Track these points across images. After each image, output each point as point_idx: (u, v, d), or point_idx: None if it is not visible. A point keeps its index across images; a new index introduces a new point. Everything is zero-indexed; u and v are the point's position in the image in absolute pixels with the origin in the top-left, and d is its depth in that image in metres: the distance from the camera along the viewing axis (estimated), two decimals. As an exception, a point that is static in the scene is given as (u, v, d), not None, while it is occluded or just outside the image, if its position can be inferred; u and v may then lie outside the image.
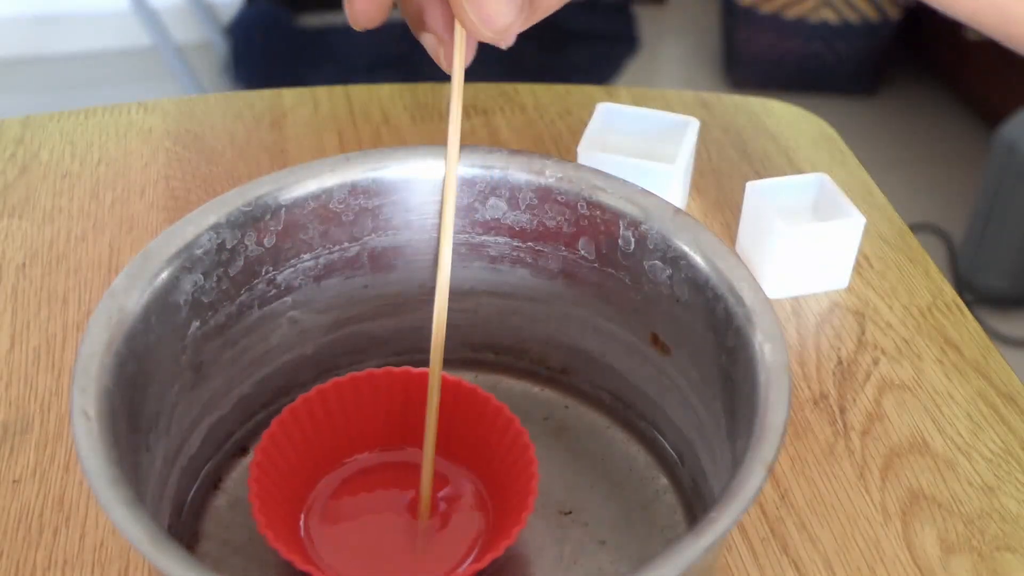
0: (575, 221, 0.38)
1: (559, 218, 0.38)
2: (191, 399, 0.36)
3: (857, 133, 1.73)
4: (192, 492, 0.38)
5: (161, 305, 0.34)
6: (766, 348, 0.32)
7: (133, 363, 0.32)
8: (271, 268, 0.37)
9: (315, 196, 0.37)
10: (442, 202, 0.38)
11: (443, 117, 0.62)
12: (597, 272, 0.38)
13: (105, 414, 0.30)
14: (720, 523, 0.27)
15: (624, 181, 0.37)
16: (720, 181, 0.57)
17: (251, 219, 0.36)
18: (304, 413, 0.37)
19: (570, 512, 0.38)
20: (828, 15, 1.76)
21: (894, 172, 1.69)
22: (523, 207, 0.38)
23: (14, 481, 0.40)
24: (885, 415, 0.44)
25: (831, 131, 0.62)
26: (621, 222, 0.37)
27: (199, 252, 0.35)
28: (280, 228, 0.37)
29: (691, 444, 0.37)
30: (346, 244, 0.39)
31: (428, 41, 0.36)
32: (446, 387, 0.37)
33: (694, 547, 0.27)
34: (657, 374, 0.38)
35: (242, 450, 0.40)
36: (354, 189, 0.38)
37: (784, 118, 0.63)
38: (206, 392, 0.37)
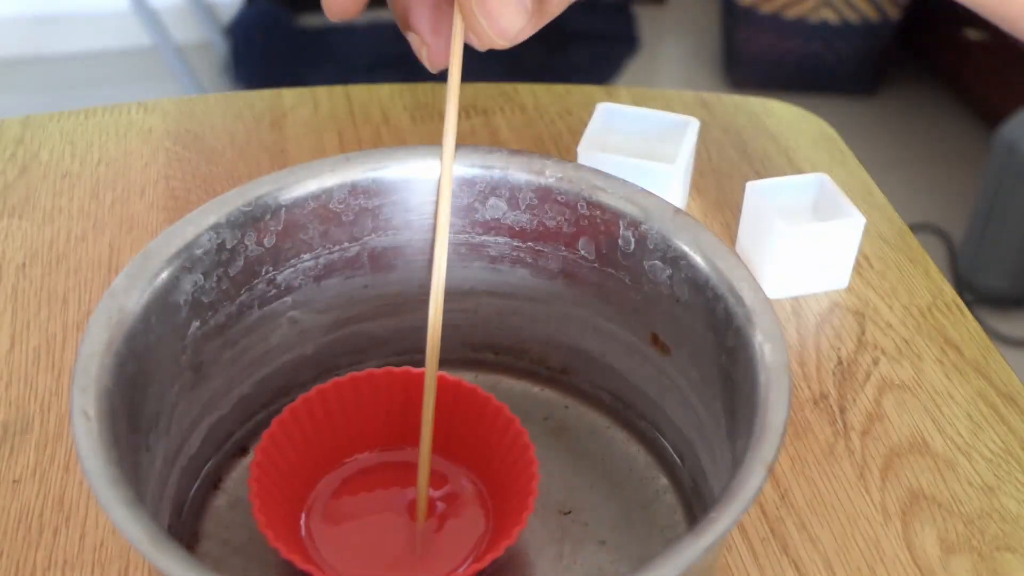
0: (575, 221, 0.38)
1: (559, 218, 0.38)
2: (191, 399, 0.36)
3: (857, 133, 1.73)
4: (192, 492, 0.38)
5: (161, 305, 0.34)
6: (766, 348, 0.32)
7: (133, 363, 0.32)
8: (271, 268, 0.37)
9: (315, 196, 0.37)
10: (437, 202, 0.38)
11: (443, 117, 0.62)
12: (597, 272, 0.38)
13: (105, 414, 0.30)
14: (720, 523, 0.27)
15: (624, 181, 0.37)
16: (720, 181, 0.57)
17: (251, 219, 0.36)
18: (304, 413, 0.37)
19: (570, 512, 0.38)
20: (828, 15, 1.77)
21: (894, 172, 1.69)
22: (523, 207, 0.38)
23: (14, 481, 0.40)
24: (885, 415, 0.44)
25: (831, 131, 0.62)
26: (621, 222, 0.37)
27: (199, 252, 0.35)
28: (280, 228, 0.37)
29: (691, 444, 0.37)
30: (346, 244, 0.39)
31: (412, 40, 0.36)
32: (446, 387, 0.37)
33: (694, 547, 0.27)
34: (657, 374, 0.38)
35: (242, 450, 0.40)
36: (354, 189, 0.38)
37: (784, 118, 0.63)
38: (206, 392, 0.37)
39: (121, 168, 0.57)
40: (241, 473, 0.39)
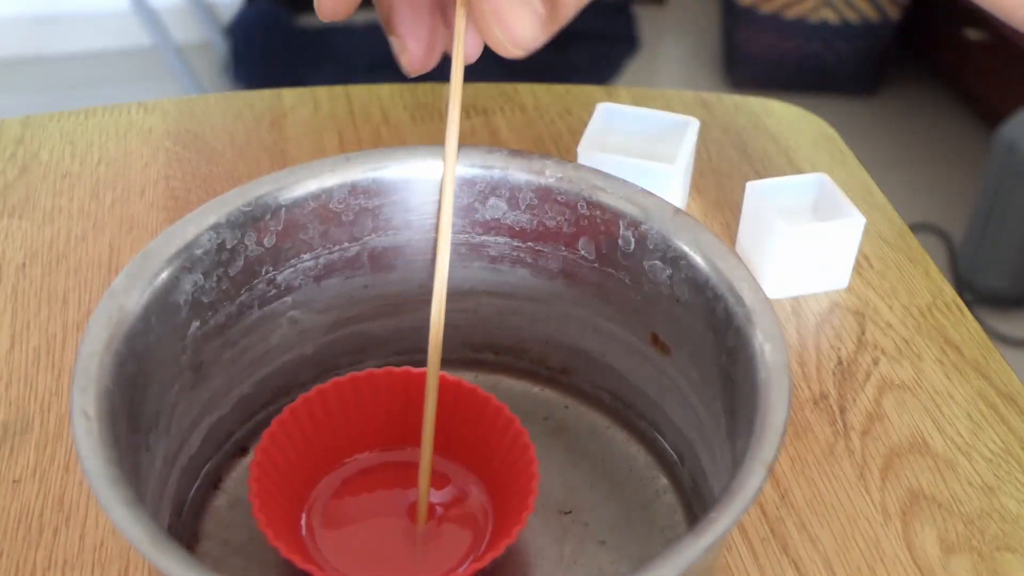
0: (575, 221, 0.38)
1: (559, 218, 0.38)
2: (191, 399, 0.36)
3: (857, 133, 1.73)
4: (192, 492, 0.38)
5: (161, 305, 0.34)
6: (766, 348, 0.32)
7: (133, 363, 0.32)
8: (271, 268, 0.37)
9: (315, 196, 0.37)
10: (440, 202, 0.38)
11: (443, 117, 0.62)
12: (597, 272, 0.38)
13: (105, 414, 0.30)
14: (720, 523, 0.27)
15: (624, 181, 0.37)
16: (720, 181, 0.57)
17: (251, 219, 0.36)
18: (304, 413, 0.37)
19: (570, 512, 0.38)
20: (828, 15, 1.77)
21: (894, 172, 1.69)
22: (523, 207, 0.38)
23: (14, 481, 0.40)
24: (885, 415, 0.44)
25: (831, 131, 0.62)
26: (621, 222, 0.37)
27: (199, 252, 0.35)
28: (280, 228, 0.37)
29: (691, 444, 0.37)
30: (346, 244, 0.39)
31: (393, 43, 0.36)
32: (446, 387, 0.37)
33: (694, 547, 0.27)
34: (657, 374, 0.38)
35: (242, 450, 0.40)
36: (354, 189, 0.38)
37: (784, 118, 0.63)
38: (206, 392, 0.37)
39: (121, 168, 0.57)
40: (241, 473, 0.39)
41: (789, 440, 0.43)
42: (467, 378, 0.38)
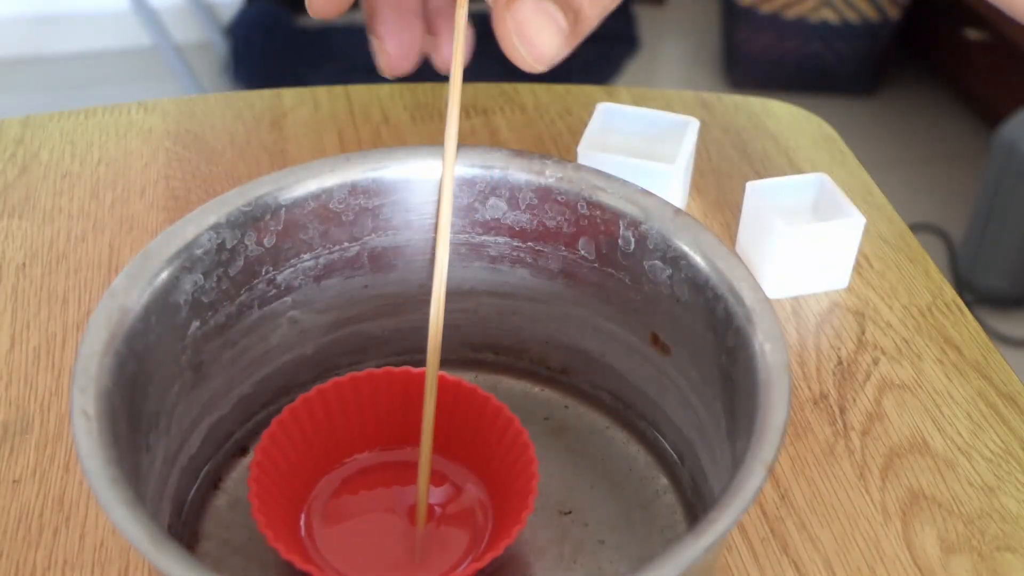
0: (575, 221, 0.38)
1: (559, 218, 0.38)
2: (191, 399, 0.36)
3: (857, 133, 1.73)
4: (192, 492, 0.38)
5: (161, 305, 0.34)
6: (766, 348, 0.32)
7: (133, 363, 0.32)
8: (271, 268, 0.37)
9: (315, 196, 0.37)
10: (439, 202, 0.38)
11: (443, 117, 0.62)
12: (597, 272, 0.38)
13: (105, 414, 0.30)
14: (720, 523, 0.27)
15: (624, 181, 0.37)
16: (720, 181, 0.57)
17: (251, 219, 0.36)
18: (304, 413, 0.37)
19: (570, 512, 0.38)
20: (828, 15, 1.77)
21: (894, 172, 1.69)
22: (523, 207, 0.38)
23: (14, 481, 0.40)
24: (885, 415, 0.44)
25: (831, 131, 0.62)
26: (621, 222, 0.37)
27: (199, 252, 0.35)
28: (280, 228, 0.37)
29: (691, 444, 0.37)
30: (346, 244, 0.39)
31: (373, 43, 0.37)
32: (446, 387, 0.37)
33: (694, 547, 0.27)
34: (657, 374, 0.38)
35: (242, 450, 0.40)
36: (354, 189, 0.38)
37: (784, 118, 0.63)
38: (206, 392, 0.37)
39: (121, 168, 0.57)
40: (241, 473, 0.39)
41: (789, 440, 0.43)
42: (467, 378, 0.38)
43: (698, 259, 0.35)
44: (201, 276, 0.35)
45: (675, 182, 0.51)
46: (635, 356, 0.39)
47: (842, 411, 0.44)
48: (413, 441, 0.38)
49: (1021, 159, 1.33)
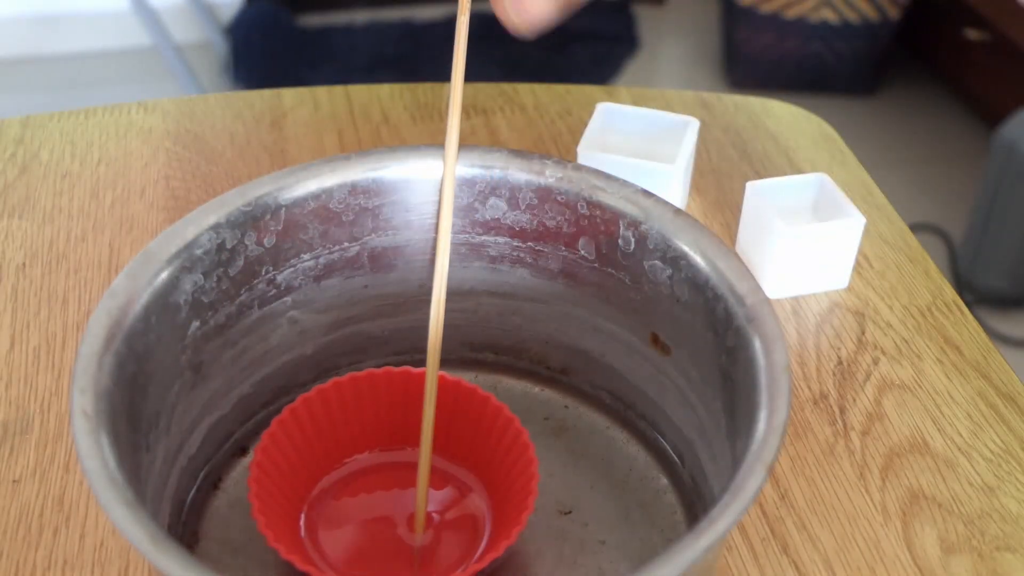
0: (575, 221, 0.38)
1: (559, 218, 0.38)
2: (191, 399, 0.36)
3: (857, 133, 1.73)
4: (192, 492, 0.38)
5: (161, 305, 0.34)
6: (766, 348, 0.32)
7: (133, 363, 0.32)
8: (271, 268, 0.37)
9: (315, 196, 0.37)
10: (440, 201, 0.38)
11: (443, 117, 0.62)
12: (597, 272, 0.38)
13: (105, 414, 0.30)
14: (720, 523, 0.27)
15: (624, 181, 0.37)
16: (720, 181, 0.57)
17: (251, 219, 0.36)
18: (304, 413, 0.37)
19: (570, 512, 0.38)
20: (828, 15, 1.76)
21: (894, 172, 1.69)
22: (523, 207, 0.38)
23: (14, 481, 0.40)
24: (885, 415, 0.44)
25: (831, 131, 0.62)
26: (621, 222, 0.37)
27: (199, 252, 0.35)
28: (280, 228, 0.37)
29: (691, 444, 0.37)
30: (346, 244, 0.39)
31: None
32: (446, 387, 0.37)
33: (694, 547, 0.27)
34: (657, 374, 0.38)
35: (242, 450, 0.40)
36: (354, 189, 0.38)
37: (784, 118, 0.63)
38: (206, 392, 0.37)
39: (121, 168, 0.57)
40: (241, 473, 0.39)
41: (789, 440, 0.43)
42: (467, 378, 0.38)
43: (698, 259, 0.35)
44: (201, 276, 0.35)
45: (675, 182, 0.51)
46: (635, 356, 0.39)
47: (842, 411, 0.44)
48: (413, 441, 0.38)
49: (1021, 159, 1.33)
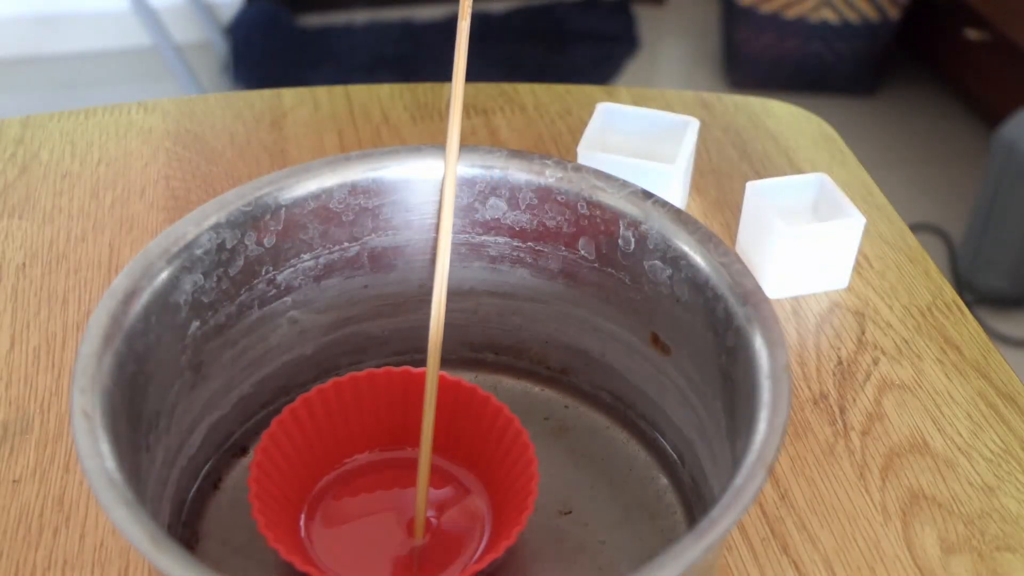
0: (575, 221, 0.38)
1: (559, 218, 0.38)
2: (191, 399, 0.36)
3: (857, 133, 1.73)
4: (192, 492, 0.38)
5: (161, 305, 0.34)
6: (766, 348, 0.32)
7: (133, 363, 0.32)
8: (271, 268, 0.37)
9: (315, 196, 0.37)
10: (440, 201, 0.38)
11: (443, 117, 0.62)
12: (597, 272, 0.38)
13: (105, 414, 0.30)
14: (720, 523, 0.27)
15: (624, 181, 0.37)
16: (720, 181, 0.57)
17: (251, 219, 0.36)
18: (304, 413, 0.37)
19: (570, 512, 0.38)
20: (828, 15, 1.76)
21: (894, 172, 1.69)
22: (523, 207, 0.38)
23: (14, 481, 0.40)
24: (885, 415, 0.44)
25: (831, 131, 0.62)
26: (621, 222, 0.37)
27: (199, 252, 0.35)
28: (280, 228, 0.37)
29: (691, 444, 0.37)
30: (346, 244, 0.39)
31: None
32: (446, 387, 0.37)
33: (694, 547, 0.27)
34: (657, 374, 0.38)
35: (242, 450, 0.40)
36: (354, 189, 0.38)
37: (784, 118, 0.63)
38: (206, 392, 0.37)
39: (121, 168, 0.57)
40: (241, 473, 0.39)
41: (789, 440, 0.43)
42: (467, 378, 0.38)
43: (698, 259, 0.35)
44: (201, 276, 0.35)
45: (675, 182, 0.51)
46: (635, 356, 0.39)
47: (842, 411, 0.44)
48: (413, 441, 0.38)
49: (1021, 159, 1.33)
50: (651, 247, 0.36)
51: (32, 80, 1.85)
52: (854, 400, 0.45)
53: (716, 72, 1.93)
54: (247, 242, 0.36)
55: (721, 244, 0.35)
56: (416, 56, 1.82)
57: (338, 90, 0.63)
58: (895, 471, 0.42)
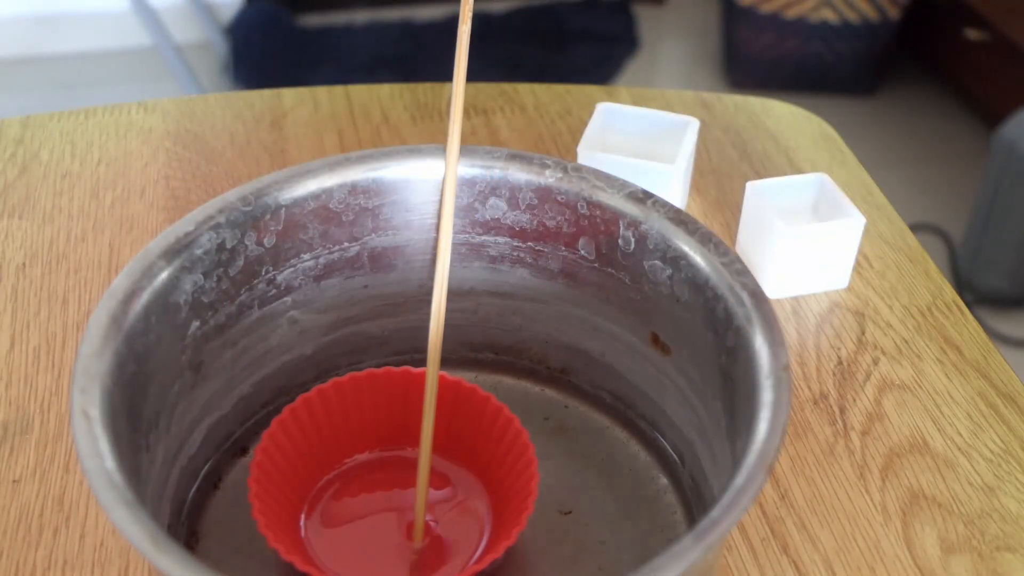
0: (575, 221, 0.38)
1: (559, 218, 0.38)
2: (191, 399, 0.36)
3: (857, 133, 1.73)
4: (192, 492, 0.38)
5: (161, 305, 0.34)
6: (766, 348, 0.32)
7: (133, 363, 0.32)
8: (271, 268, 0.37)
9: (315, 196, 0.37)
10: (441, 201, 0.38)
11: (443, 117, 0.62)
12: (597, 272, 0.38)
13: (105, 414, 0.30)
14: (720, 523, 0.27)
15: (624, 181, 0.37)
16: (720, 181, 0.57)
17: (251, 219, 0.36)
18: (304, 413, 0.37)
19: (570, 512, 0.38)
20: (828, 15, 1.76)
21: (894, 172, 1.69)
22: (523, 207, 0.38)
23: (14, 481, 0.40)
24: (885, 415, 0.44)
25: (831, 131, 0.62)
26: (621, 222, 0.37)
27: (199, 252, 0.35)
28: (280, 228, 0.37)
29: (691, 444, 0.37)
30: (346, 244, 0.39)
31: None
32: (446, 387, 0.37)
33: (694, 547, 0.27)
34: (657, 374, 0.38)
35: (242, 450, 0.40)
36: (354, 189, 0.38)
37: (784, 118, 0.63)
38: (206, 392, 0.37)
39: (121, 168, 0.57)
40: (241, 473, 0.39)
41: (789, 440, 0.43)
42: (467, 378, 0.38)
43: (698, 259, 0.35)
44: (201, 276, 0.35)
45: (675, 182, 0.51)
46: (635, 356, 0.39)
47: (842, 411, 0.44)
48: (413, 441, 0.38)
49: (1021, 159, 1.33)
50: (651, 247, 0.36)
51: (32, 80, 1.85)
52: (854, 400, 0.45)
53: (716, 72, 1.93)
54: (247, 242, 0.36)
55: (721, 244, 0.35)
56: (416, 56, 1.82)
57: (338, 90, 0.63)
58: (895, 471, 0.42)
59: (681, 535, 0.35)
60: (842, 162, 0.59)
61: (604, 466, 0.40)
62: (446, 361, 0.37)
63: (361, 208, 0.38)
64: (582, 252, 0.38)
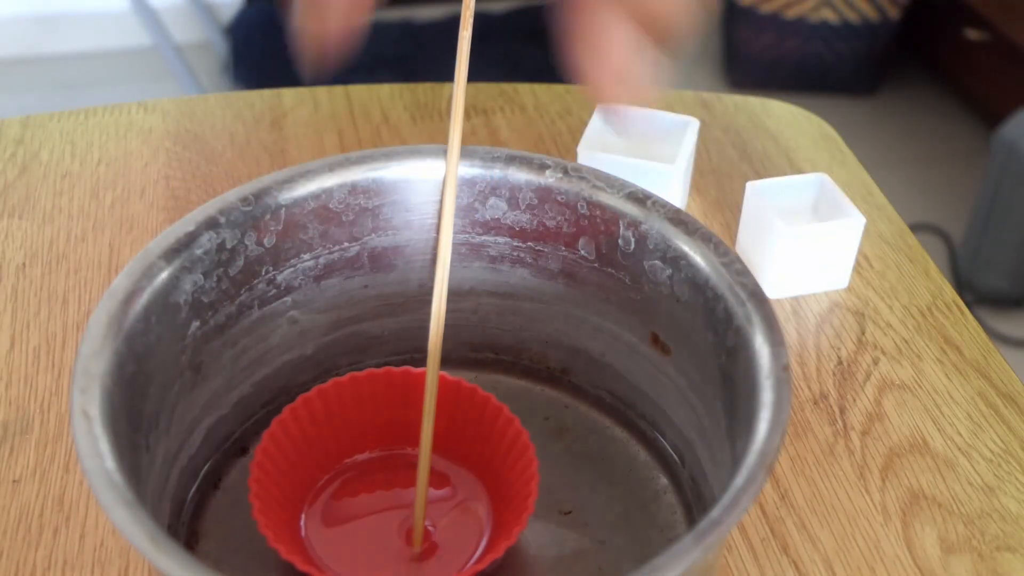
0: (575, 221, 0.38)
1: (559, 218, 0.38)
2: (191, 399, 0.36)
3: (857, 133, 1.73)
4: (192, 492, 0.38)
5: (161, 305, 0.34)
6: (766, 348, 0.32)
7: (133, 363, 0.32)
8: (271, 268, 0.37)
9: (315, 196, 0.37)
10: (441, 201, 0.38)
11: (443, 117, 0.62)
12: (597, 272, 0.38)
13: (105, 414, 0.30)
14: (720, 523, 0.27)
15: (624, 181, 0.37)
16: (720, 181, 0.57)
17: (251, 219, 0.36)
18: (304, 413, 0.37)
19: (570, 512, 0.38)
20: (828, 15, 1.77)
21: (894, 172, 1.69)
22: (523, 207, 0.38)
23: (14, 481, 0.40)
24: (885, 415, 0.44)
25: (831, 131, 0.62)
26: (621, 222, 0.37)
27: (199, 252, 0.35)
28: (280, 228, 0.37)
29: (691, 444, 0.37)
30: (346, 244, 0.39)
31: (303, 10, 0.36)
32: (446, 387, 0.37)
33: (694, 547, 0.27)
34: (657, 374, 0.38)
35: (242, 450, 0.40)
36: (354, 189, 0.38)
37: (784, 118, 0.63)
38: (206, 392, 0.37)
39: (121, 168, 0.57)
40: (241, 473, 0.39)
41: (789, 440, 0.43)
42: (467, 378, 0.38)
43: (698, 259, 0.35)
44: (201, 276, 0.35)
45: (675, 182, 0.51)
46: (635, 356, 0.39)
47: (842, 411, 0.44)
48: (413, 441, 0.38)
49: (1021, 159, 1.33)
50: (651, 247, 0.36)
51: (32, 80, 1.85)
52: (854, 400, 0.45)
53: (716, 72, 1.94)
54: (247, 242, 0.36)
55: (721, 244, 0.35)
56: (416, 56, 1.81)
57: (338, 90, 0.63)
58: (895, 471, 0.42)
59: (681, 535, 0.35)
60: (842, 162, 0.59)
61: (604, 466, 0.40)
62: (446, 361, 0.37)
63: (361, 208, 0.38)
64: (582, 252, 0.38)
